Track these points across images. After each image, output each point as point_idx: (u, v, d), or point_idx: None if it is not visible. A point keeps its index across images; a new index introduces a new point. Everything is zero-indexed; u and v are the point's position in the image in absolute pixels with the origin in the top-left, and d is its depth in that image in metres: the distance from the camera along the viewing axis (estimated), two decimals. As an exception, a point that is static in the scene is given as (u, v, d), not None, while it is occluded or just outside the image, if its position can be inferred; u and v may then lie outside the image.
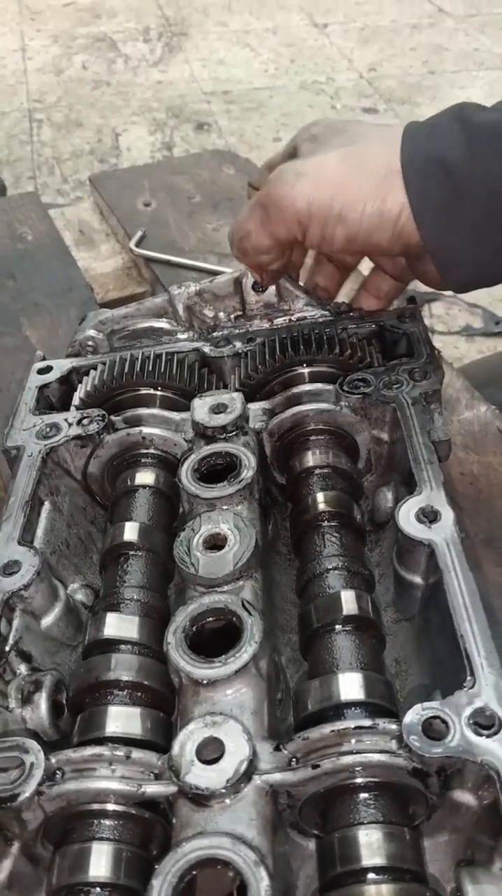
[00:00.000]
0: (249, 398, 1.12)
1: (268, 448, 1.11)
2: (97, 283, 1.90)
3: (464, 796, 0.71)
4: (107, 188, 2.17)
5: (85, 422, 1.10)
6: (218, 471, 1.02)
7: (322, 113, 4.05)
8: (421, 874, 0.70)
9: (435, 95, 4.19)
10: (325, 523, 1.00)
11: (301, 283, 1.25)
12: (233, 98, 4.01)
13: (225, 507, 0.96)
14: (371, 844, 0.69)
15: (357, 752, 0.70)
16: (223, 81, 4.32)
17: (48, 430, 1.10)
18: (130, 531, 1.01)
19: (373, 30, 4.83)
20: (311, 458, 1.07)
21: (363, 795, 0.72)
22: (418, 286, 1.22)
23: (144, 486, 1.08)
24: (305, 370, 1.13)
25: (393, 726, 0.71)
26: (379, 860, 0.68)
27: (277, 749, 0.73)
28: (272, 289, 1.20)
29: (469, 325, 2.59)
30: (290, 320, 1.22)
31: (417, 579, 0.91)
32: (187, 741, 0.72)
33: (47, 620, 0.94)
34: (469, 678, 0.73)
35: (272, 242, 1.02)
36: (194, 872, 0.64)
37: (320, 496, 1.02)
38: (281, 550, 1.11)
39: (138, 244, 1.88)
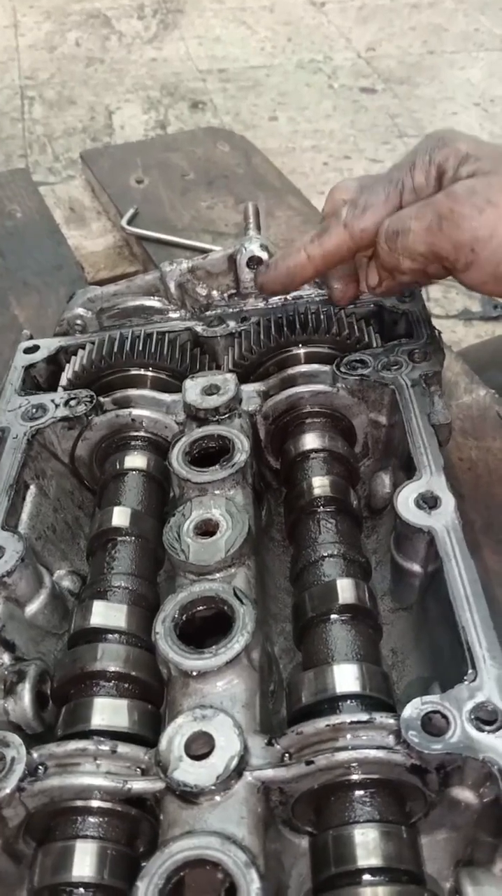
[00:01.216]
0: (243, 379, 1.08)
1: (262, 431, 1.08)
2: (88, 262, 1.85)
3: (464, 794, 0.68)
4: (98, 165, 2.12)
5: (72, 403, 1.06)
6: (210, 454, 0.98)
7: (319, 92, 3.98)
8: (419, 875, 0.67)
9: (434, 76, 4.13)
10: (321, 509, 0.96)
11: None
12: (229, 76, 3.95)
13: (217, 492, 0.92)
14: (367, 844, 0.66)
15: (353, 748, 0.67)
16: (219, 59, 4.25)
17: (34, 411, 1.06)
18: (119, 516, 0.98)
19: (371, 9, 4.76)
20: (307, 442, 1.04)
21: (359, 793, 0.69)
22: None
23: (134, 470, 1.05)
24: (301, 351, 1.09)
25: (391, 721, 0.68)
26: (375, 861, 0.65)
27: (269, 744, 0.70)
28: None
29: (467, 308, 2.56)
30: (286, 299, 1.18)
31: (416, 567, 0.88)
32: (175, 735, 0.69)
33: (32, 608, 0.90)
34: (470, 671, 0.70)
35: (426, 252, 0.95)
36: (182, 873, 0.61)
37: (316, 481, 0.99)
38: (275, 537, 1.08)
39: (130, 222, 1.83)
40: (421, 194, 0.98)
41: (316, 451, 1.03)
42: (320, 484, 0.98)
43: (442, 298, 2.64)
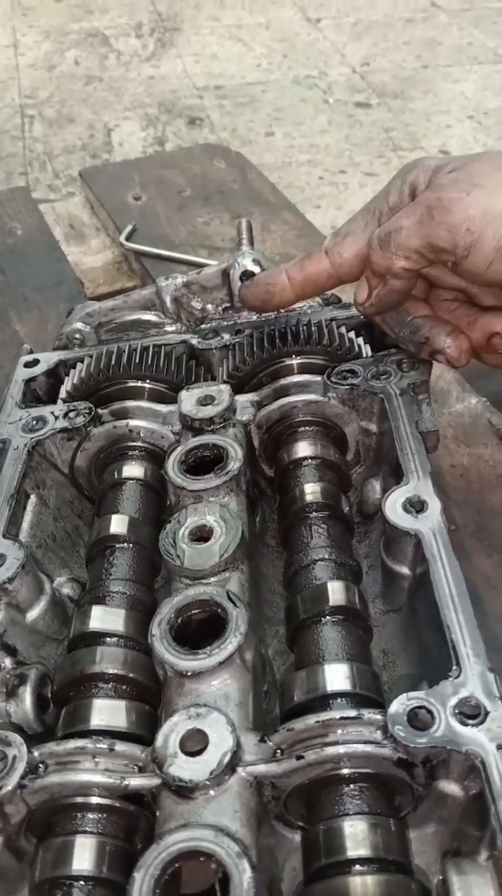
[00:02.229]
0: (237, 390, 1.11)
1: (255, 440, 1.11)
2: (87, 278, 1.89)
3: (450, 787, 0.71)
4: (97, 182, 2.16)
5: (71, 414, 1.09)
6: (205, 463, 1.01)
7: (314, 107, 4.03)
8: (407, 865, 0.69)
9: (428, 90, 4.18)
10: (313, 514, 0.99)
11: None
12: (226, 93, 4.00)
13: (211, 499, 0.95)
14: (356, 836, 0.69)
15: (342, 743, 0.69)
16: (215, 76, 4.31)
17: (34, 423, 1.09)
18: (117, 524, 1.00)
19: (365, 24, 4.82)
20: (299, 450, 1.07)
21: (348, 786, 0.71)
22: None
23: (132, 479, 1.08)
24: (293, 361, 1.12)
25: (378, 716, 0.70)
26: (364, 851, 0.68)
27: (262, 740, 0.72)
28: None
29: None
30: (279, 312, 1.21)
31: (404, 570, 0.91)
32: (171, 733, 0.71)
33: (33, 614, 0.93)
34: (454, 668, 0.73)
35: (423, 246, 0.95)
36: (177, 865, 0.64)
37: (308, 487, 1.01)
38: (269, 543, 1.11)
39: (128, 238, 1.87)
40: (395, 212, 1.01)
41: (308, 458, 1.06)
42: (312, 490, 1.01)
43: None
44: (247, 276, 1.18)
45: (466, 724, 0.69)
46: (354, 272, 1.05)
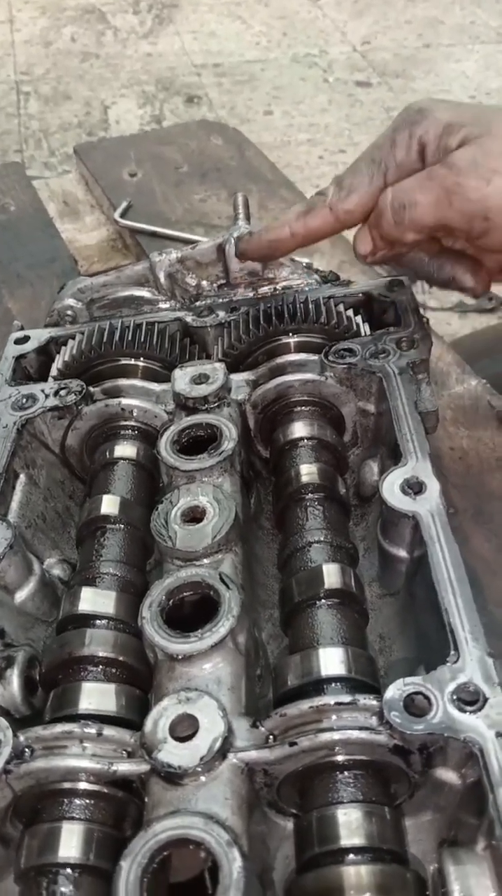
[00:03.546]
0: (232, 369, 1.09)
1: (251, 420, 1.08)
2: (81, 256, 1.85)
3: (447, 775, 0.69)
4: (92, 158, 2.12)
5: (62, 392, 1.07)
6: (198, 443, 0.99)
7: (314, 86, 3.98)
8: (402, 855, 0.68)
9: (429, 69, 4.13)
10: (309, 496, 0.97)
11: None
12: (224, 71, 3.94)
13: (204, 480, 0.93)
14: (350, 824, 0.67)
15: (336, 729, 0.68)
16: (214, 54, 4.25)
17: (24, 400, 1.07)
18: (108, 504, 0.98)
19: (366, 2, 4.75)
20: (295, 430, 1.04)
21: (342, 774, 0.70)
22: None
23: (124, 459, 1.05)
24: (290, 340, 1.10)
25: (374, 702, 0.68)
26: (358, 840, 0.66)
27: (254, 726, 0.70)
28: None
29: (462, 301, 2.56)
30: (275, 289, 1.19)
31: (402, 553, 0.89)
32: (160, 718, 0.69)
33: (21, 595, 0.91)
34: (452, 653, 0.71)
35: (436, 225, 0.96)
36: (165, 853, 0.62)
37: (304, 468, 0.99)
38: (263, 525, 1.09)
39: (123, 215, 1.84)
40: (404, 170, 0.99)
41: (304, 439, 1.03)
42: (308, 472, 0.99)
43: (437, 291, 2.64)
44: (240, 238, 1.14)
45: (464, 711, 0.67)
46: (358, 222, 1.04)
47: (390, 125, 1.03)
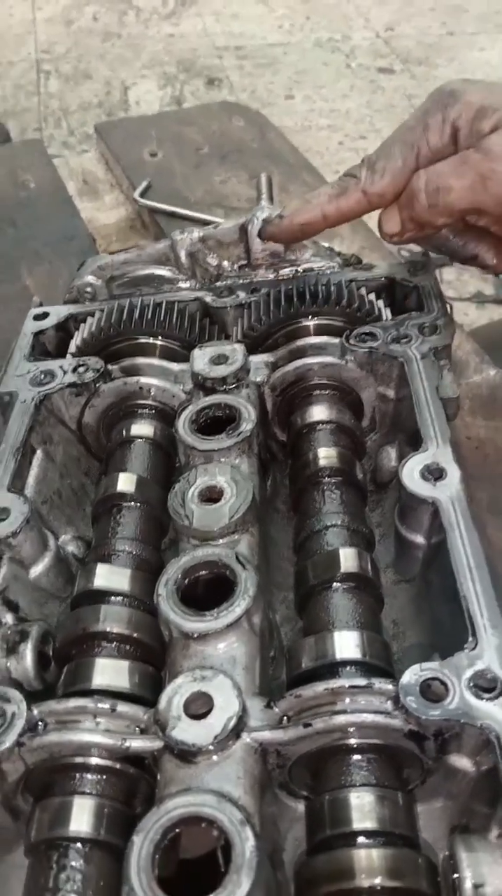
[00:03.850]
0: (251, 350, 1.08)
1: (269, 402, 1.07)
2: (100, 235, 1.84)
3: (461, 761, 0.68)
4: (112, 137, 2.11)
5: (81, 369, 1.06)
6: (216, 423, 0.98)
7: (336, 71, 3.94)
8: (414, 839, 0.67)
9: (453, 57, 4.08)
10: (326, 479, 0.96)
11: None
12: (246, 54, 3.91)
13: (222, 460, 0.92)
14: (362, 807, 0.66)
15: (351, 712, 0.67)
16: (236, 36, 4.21)
17: (42, 376, 1.06)
18: (124, 482, 0.98)
19: (391, -12, 4.69)
20: (314, 413, 1.04)
21: (356, 757, 0.69)
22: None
23: (140, 438, 1.05)
24: (310, 322, 1.09)
25: (390, 686, 0.68)
26: (370, 824, 0.66)
27: (268, 706, 0.70)
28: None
29: (480, 291, 2.54)
30: (297, 271, 1.18)
31: (419, 539, 0.88)
32: (175, 695, 0.69)
33: (36, 570, 0.91)
34: (470, 639, 0.70)
35: (470, 209, 0.97)
36: (177, 830, 0.62)
37: (322, 452, 0.98)
38: (279, 508, 1.08)
39: (143, 194, 1.82)
40: (436, 154, 0.99)
41: (323, 422, 1.03)
42: (326, 455, 0.98)
43: (455, 281, 2.62)
44: (268, 220, 1.13)
45: (481, 698, 0.66)
46: (388, 204, 1.04)
47: (421, 107, 1.02)
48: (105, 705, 0.71)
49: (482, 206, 0.95)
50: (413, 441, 0.96)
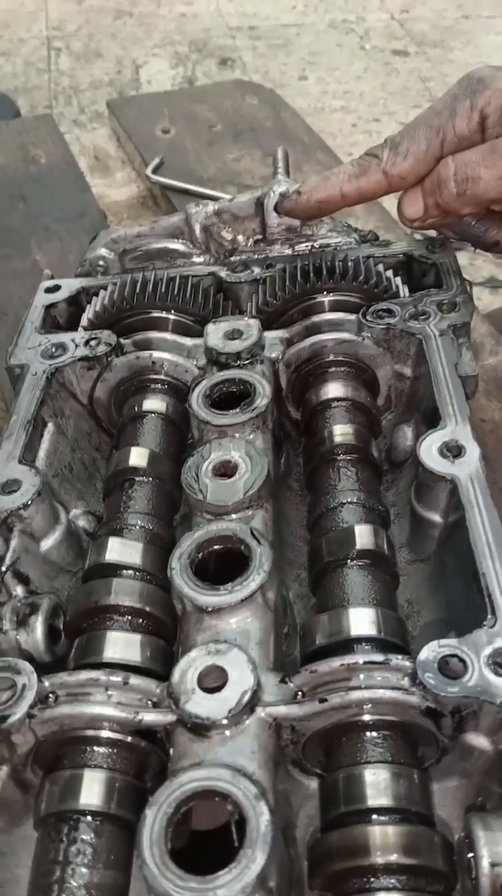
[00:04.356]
0: (266, 326, 1.06)
1: (283, 379, 1.06)
2: (111, 211, 1.83)
3: (478, 740, 0.67)
4: (125, 114, 2.08)
5: (93, 343, 1.05)
6: (230, 398, 0.96)
7: (350, 53, 3.90)
8: (430, 817, 0.66)
9: (468, 40, 4.03)
10: (341, 457, 0.95)
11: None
12: (260, 34, 3.87)
13: (236, 435, 0.91)
14: (378, 784, 0.65)
15: (367, 688, 0.66)
16: (249, 16, 4.16)
17: (54, 349, 1.05)
18: (137, 456, 0.96)
19: (407, -31, 4.63)
20: (329, 391, 1.02)
21: (371, 734, 0.68)
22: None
23: (153, 413, 1.04)
24: (326, 298, 1.07)
25: (407, 663, 0.67)
26: (385, 801, 0.65)
27: (283, 681, 0.69)
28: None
29: (493, 276, 2.51)
30: (313, 247, 1.16)
31: (436, 517, 0.87)
32: (188, 668, 0.68)
33: (47, 543, 0.90)
34: (489, 617, 0.69)
35: (498, 198, 0.96)
36: (191, 804, 0.61)
37: (337, 429, 0.97)
38: (292, 486, 1.07)
39: (155, 171, 1.80)
40: (463, 142, 0.97)
41: (338, 399, 1.01)
42: (342, 432, 0.97)
43: (468, 266, 2.58)
44: (285, 194, 1.11)
45: (500, 675, 0.65)
46: (408, 187, 1.03)
47: (448, 91, 1.01)
48: (117, 678, 0.70)
49: None
50: (429, 420, 0.94)
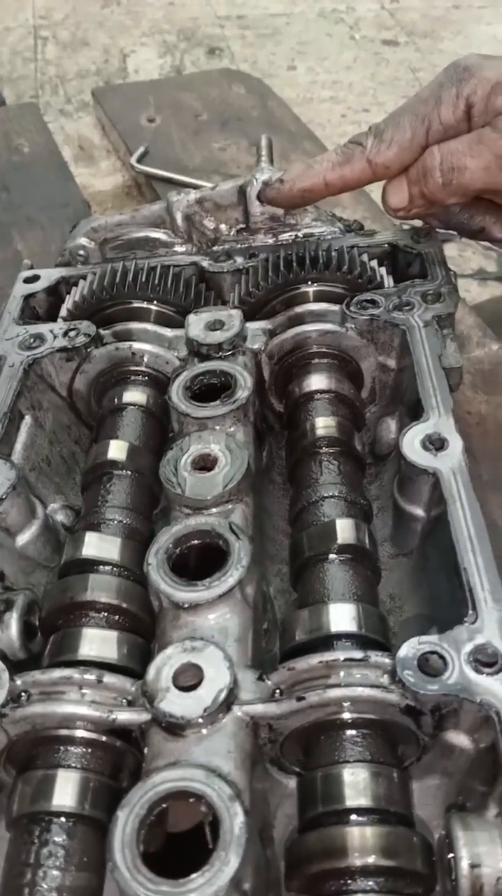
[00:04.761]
0: (249, 317, 1.04)
1: (266, 371, 1.04)
2: (95, 201, 1.80)
3: (459, 738, 0.66)
4: (109, 102, 2.06)
5: (72, 334, 1.03)
6: (211, 390, 0.95)
7: (340, 43, 3.87)
8: (409, 818, 0.65)
9: (459, 31, 4.00)
10: (324, 450, 0.93)
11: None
12: (248, 23, 3.84)
13: (217, 428, 0.89)
14: (356, 784, 0.64)
15: (346, 686, 0.65)
16: (238, 5, 4.13)
17: (32, 340, 1.03)
18: (115, 450, 0.95)
19: (397, -41, 4.60)
20: (312, 382, 1.01)
21: (350, 732, 0.67)
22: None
23: (132, 405, 1.02)
24: (310, 289, 1.05)
25: (386, 660, 0.65)
26: (364, 801, 0.63)
27: (260, 679, 0.67)
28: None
29: (482, 268, 2.49)
30: (297, 236, 1.14)
31: (418, 511, 0.86)
32: (164, 666, 0.66)
33: (23, 538, 0.88)
34: (470, 613, 0.68)
35: (484, 189, 0.96)
36: (164, 805, 0.59)
37: (320, 421, 0.96)
38: (275, 479, 1.05)
39: (140, 160, 1.78)
40: (449, 131, 0.96)
41: (321, 392, 1.00)
42: (324, 424, 0.95)
43: (457, 257, 2.57)
44: (268, 182, 1.09)
45: (481, 672, 0.64)
46: (392, 176, 1.02)
47: (434, 80, 0.99)
48: (91, 676, 0.68)
49: (497, 186, 0.93)
50: (413, 413, 0.93)
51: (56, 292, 1.14)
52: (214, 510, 0.81)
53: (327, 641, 0.72)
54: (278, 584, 0.91)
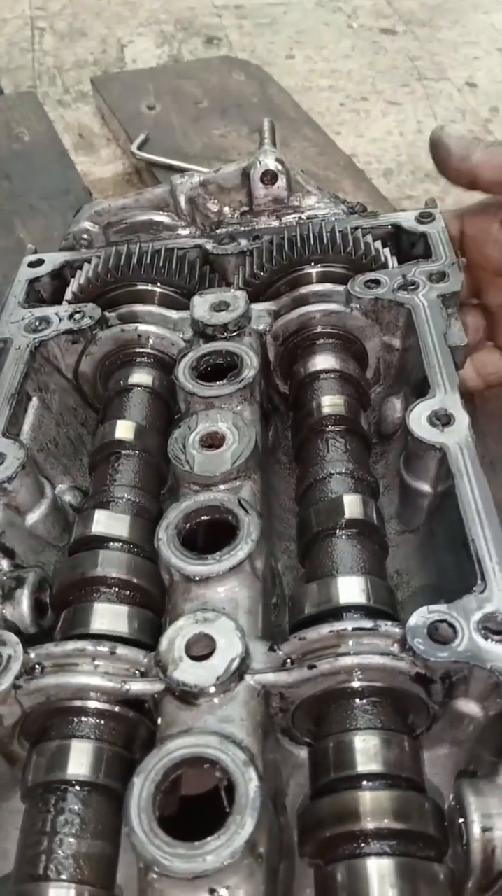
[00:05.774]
0: (253, 299, 1.05)
1: (271, 352, 1.05)
2: (96, 189, 1.80)
3: (469, 706, 0.67)
4: (109, 90, 2.06)
5: (77, 316, 1.03)
6: (217, 370, 0.95)
7: (338, 32, 3.85)
8: (420, 783, 0.66)
9: (456, 19, 3.98)
10: (330, 428, 0.94)
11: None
12: (246, 13, 3.80)
13: (223, 407, 0.90)
14: (368, 751, 0.65)
15: (356, 654, 0.65)
16: (235, -5, 4.11)
17: (38, 323, 1.03)
18: (123, 429, 0.95)
19: None
20: (317, 363, 1.01)
21: (361, 700, 0.68)
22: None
23: (139, 386, 1.02)
24: (314, 269, 1.06)
25: (397, 629, 0.66)
26: (375, 767, 0.64)
27: (271, 649, 0.68)
28: (282, 182, 1.11)
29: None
30: (300, 218, 1.15)
31: (425, 487, 0.86)
32: (176, 637, 0.67)
33: (32, 517, 0.88)
34: (479, 583, 0.68)
35: None
36: (179, 771, 0.60)
37: (326, 399, 0.96)
38: (281, 459, 1.06)
39: (140, 147, 1.78)
40: None
41: (327, 371, 1.00)
42: (330, 403, 0.96)
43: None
44: (268, 176, 1.10)
45: (490, 639, 0.64)
46: None
47: None
48: (104, 648, 0.69)
49: None
50: (418, 392, 0.93)
51: (60, 276, 1.14)
52: (223, 487, 0.81)
53: (336, 613, 0.73)
54: (286, 561, 0.92)
